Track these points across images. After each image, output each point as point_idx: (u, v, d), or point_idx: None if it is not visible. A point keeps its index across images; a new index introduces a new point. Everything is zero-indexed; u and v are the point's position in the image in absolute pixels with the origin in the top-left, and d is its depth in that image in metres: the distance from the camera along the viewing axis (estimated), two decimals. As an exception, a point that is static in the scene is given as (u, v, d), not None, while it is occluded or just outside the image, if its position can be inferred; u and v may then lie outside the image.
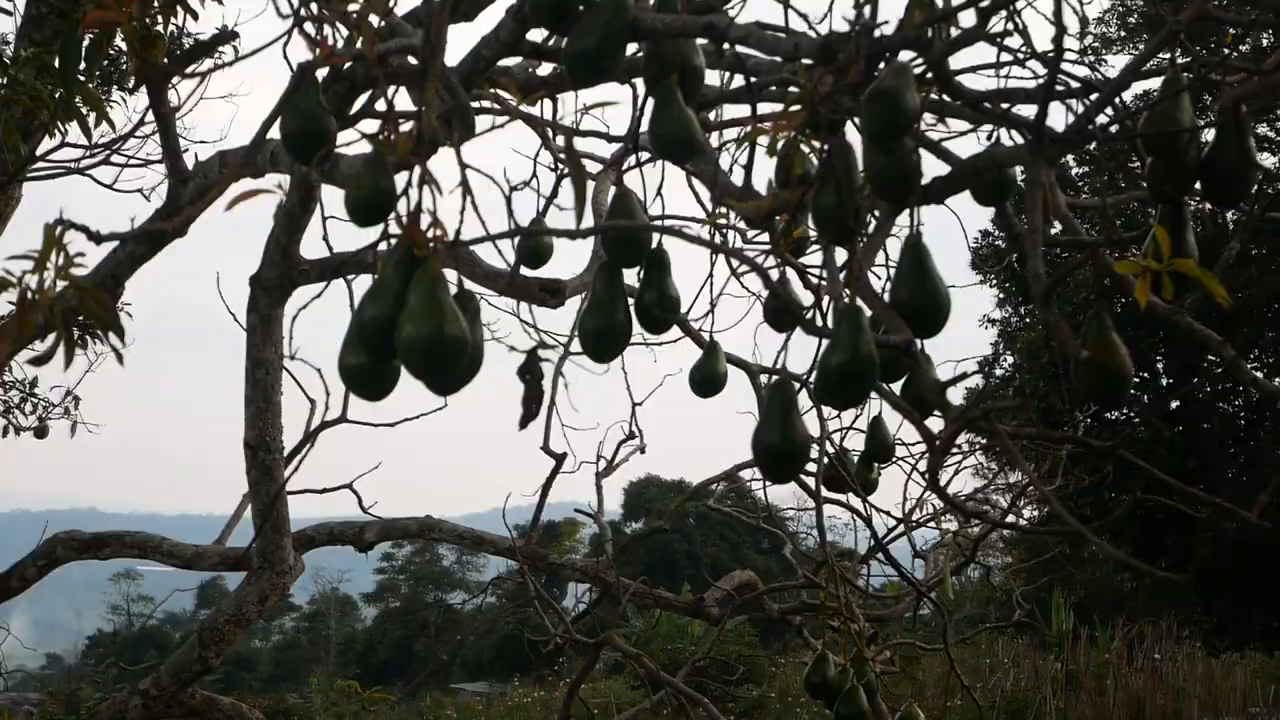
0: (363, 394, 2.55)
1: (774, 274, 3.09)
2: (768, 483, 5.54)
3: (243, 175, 3.56)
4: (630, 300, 3.05)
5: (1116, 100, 2.73)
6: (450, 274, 3.20)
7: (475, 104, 3.77)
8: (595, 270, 3.07)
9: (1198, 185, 2.74)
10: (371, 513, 6.18)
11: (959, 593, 34.78)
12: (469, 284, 2.68)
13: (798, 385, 2.81)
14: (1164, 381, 21.98)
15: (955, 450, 6.39)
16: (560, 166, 4.46)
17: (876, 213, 2.69)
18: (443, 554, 56.42)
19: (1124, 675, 24.11)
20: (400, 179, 2.44)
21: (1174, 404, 21.84)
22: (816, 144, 2.72)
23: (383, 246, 2.52)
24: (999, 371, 23.22)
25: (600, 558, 6.27)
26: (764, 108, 2.93)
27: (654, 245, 3.07)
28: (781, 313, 3.10)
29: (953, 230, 3.65)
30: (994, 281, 23.70)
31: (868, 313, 2.53)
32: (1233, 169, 2.69)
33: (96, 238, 2.29)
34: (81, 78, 3.64)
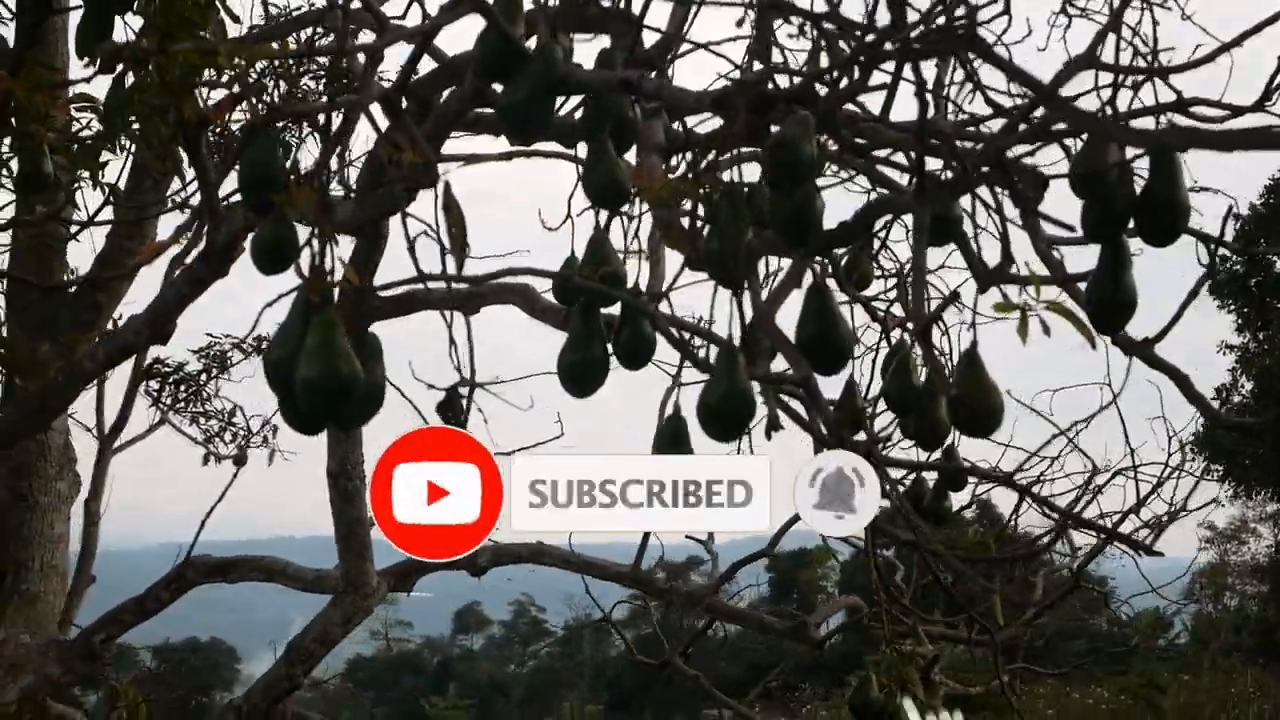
0: (297, 428, 2.74)
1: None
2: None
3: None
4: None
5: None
6: (505, 309, 3.43)
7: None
8: (573, 307, 3.21)
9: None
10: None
11: (1214, 621, 33.89)
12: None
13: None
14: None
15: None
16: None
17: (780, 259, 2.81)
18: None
19: (1377, 708, 23.20)
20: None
21: None
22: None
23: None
24: (1236, 398, 22.69)
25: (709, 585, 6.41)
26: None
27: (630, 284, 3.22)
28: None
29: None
30: (1232, 307, 23.18)
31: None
32: (1164, 208, 2.73)
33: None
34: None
